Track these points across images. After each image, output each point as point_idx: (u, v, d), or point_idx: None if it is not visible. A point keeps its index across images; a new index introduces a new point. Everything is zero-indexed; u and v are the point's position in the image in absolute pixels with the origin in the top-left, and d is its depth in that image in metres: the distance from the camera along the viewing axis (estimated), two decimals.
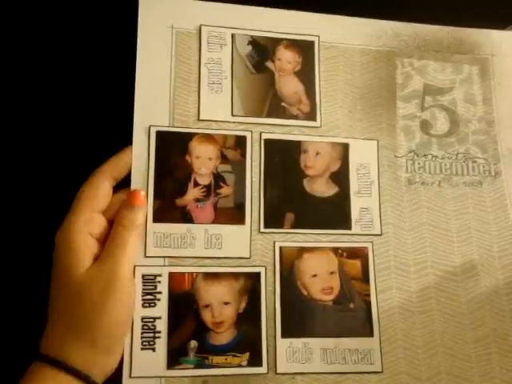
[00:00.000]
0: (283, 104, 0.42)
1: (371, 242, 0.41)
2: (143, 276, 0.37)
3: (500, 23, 0.47)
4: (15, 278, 0.39)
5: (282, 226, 0.40)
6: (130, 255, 0.35)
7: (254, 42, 0.42)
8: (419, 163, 0.43)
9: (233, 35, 0.42)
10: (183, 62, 0.41)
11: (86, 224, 0.35)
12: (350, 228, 0.41)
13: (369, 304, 0.39)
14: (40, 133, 0.42)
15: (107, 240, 0.35)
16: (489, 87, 0.45)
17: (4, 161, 0.41)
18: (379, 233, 0.41)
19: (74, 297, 0.33)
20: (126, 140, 0.38)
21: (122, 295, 0.34)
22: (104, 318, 0.33)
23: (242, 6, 0.42)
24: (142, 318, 0.36)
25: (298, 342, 0.38)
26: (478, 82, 0.45)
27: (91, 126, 0.42)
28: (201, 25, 0.41)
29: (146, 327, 0.36)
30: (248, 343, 0.37)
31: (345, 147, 0.42)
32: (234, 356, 0.37)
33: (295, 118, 0.42)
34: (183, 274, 0.37)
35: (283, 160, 0.41)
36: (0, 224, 0.40)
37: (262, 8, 0.43)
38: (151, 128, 0.39)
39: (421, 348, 0.39)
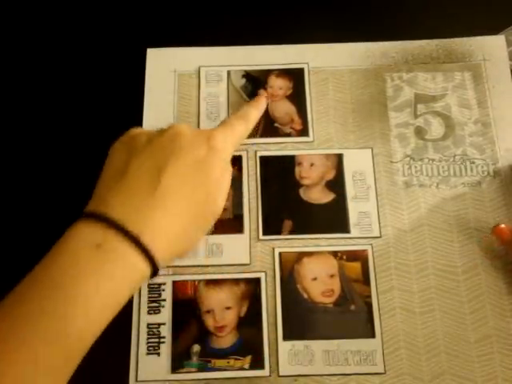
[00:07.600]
0: (276, 125, 0.45)
1: (371, 244, 0.41)
2: (148, 285, 0.39)
3: (490, 30, 0.48)
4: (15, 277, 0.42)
5: (280, 233, 0.41)
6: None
7: (248, 76, 0.47)
8: (416, 167, 0.43)
9: (228, 72, 0.47)
10: (184, 98, 0.46)
11: None
12: (348, 232, 0.41)
13: (370, 305, 0.39)
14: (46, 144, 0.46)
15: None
16: (483, 91, 0.46)
17: (4, 161, 0.45)
18: (378, 235, 0.41)
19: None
20: None
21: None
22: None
23: (236, 46, 0.48)
24: (148, 324, 0.38)
25: (299, 345, 0.38)
26: (472, 86, 0.46)
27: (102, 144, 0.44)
28: (200, 66, 0.47)
29: (151, 333, 0.38)
30: (250, 346, 0.38)
31: (339, 157, 0.44)
32: (237, 359, 0.37)
33: (288, 135, 0.45)
34: (186, 281, 0.40)
35: (278, 172, 0.43)
36: (1, 223, 0.43)
37: (253, 46, 0.48)
38: None
39: (423, 348, 0.38)
